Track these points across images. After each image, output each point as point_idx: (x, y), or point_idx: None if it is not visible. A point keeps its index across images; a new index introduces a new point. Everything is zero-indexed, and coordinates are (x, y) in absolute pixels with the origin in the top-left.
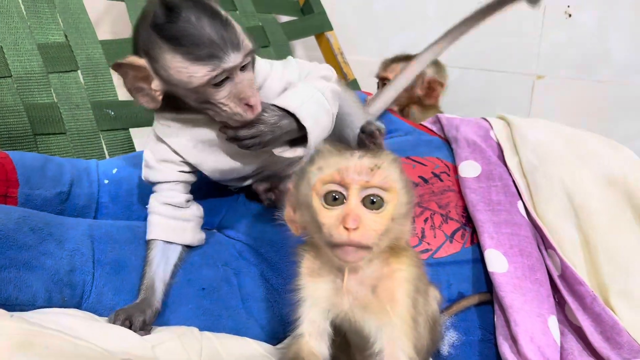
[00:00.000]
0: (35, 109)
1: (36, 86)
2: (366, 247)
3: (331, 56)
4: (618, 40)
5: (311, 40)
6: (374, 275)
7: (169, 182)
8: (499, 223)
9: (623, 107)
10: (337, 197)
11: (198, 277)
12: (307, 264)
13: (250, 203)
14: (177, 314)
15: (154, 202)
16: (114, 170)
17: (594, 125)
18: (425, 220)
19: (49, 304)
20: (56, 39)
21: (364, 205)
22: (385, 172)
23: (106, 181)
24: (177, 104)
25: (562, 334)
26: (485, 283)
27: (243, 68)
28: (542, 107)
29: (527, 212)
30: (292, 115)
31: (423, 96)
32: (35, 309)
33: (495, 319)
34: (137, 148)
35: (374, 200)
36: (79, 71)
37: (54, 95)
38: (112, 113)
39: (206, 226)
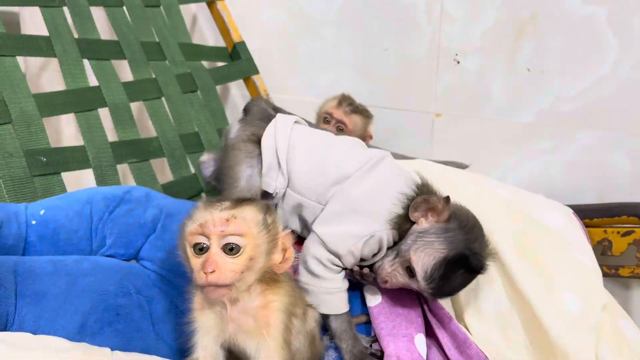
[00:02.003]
0: None
1: None
2: (225, 286)
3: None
4: (497, 84)
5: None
6: (253, 304)
7: None
8: None
9: (504, 142)
10: (202, 247)
11: (114, 304)
12: (197, 299)
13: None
14: (94, 337)
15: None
16: (42, 212)
17: (483, 157)
18: None
19: None
20: None
21: (224, 251)
22: (239, 222)
23: (34, 222)
24: None
25: (429, 347)
26: None
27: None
28: (442, 141)
29: None
30: None
31: None
32: None
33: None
34: (68, 190)
35: (232, 247)
36: (11, 123)
37: None
38: (44, 159)
39: (124, 257)
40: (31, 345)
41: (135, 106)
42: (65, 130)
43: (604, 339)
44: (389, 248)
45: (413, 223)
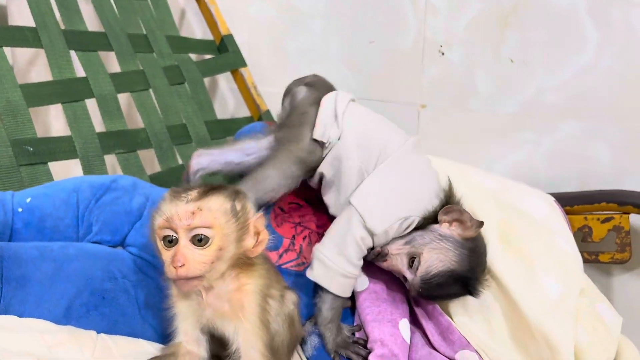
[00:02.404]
0: None
1: None
2: (196, 278)
3: (245, 90)
4: (481, 75)
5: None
6: (227, 289)
7: None
8: None
9: (489, 133)
10: (171, 240)
11: (99, 289)
12: (174, 287)
13: None
14: (79, 320)
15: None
16: (28, 200)
17: (468, 148)
18: (304, 238)
19: None
20: None
21: (193, 242)
22: (205, 213)
23: (20, 209)
24: None
25: (413, 332)
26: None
27: None
28: (427, 131)
29: None
30: None
31: None
32: None
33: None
34: (55, 179)
35: (200, 238)
36: None
37: None
38: (31, 149)
39: (111, 244)
40: (16, 328)
41: (122, 98)
42: (54, 123)
43: (581, 322)
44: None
45: (436, 221)
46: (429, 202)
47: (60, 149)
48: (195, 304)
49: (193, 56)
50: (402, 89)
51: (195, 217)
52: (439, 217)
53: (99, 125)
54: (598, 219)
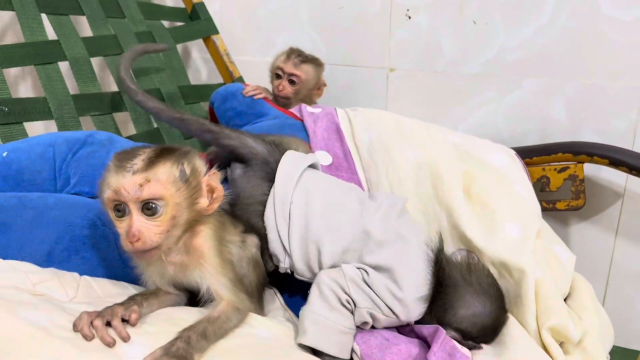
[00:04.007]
0: None
1: None
2: (153, 249)
3: (218, 57)
4: (447, 38)
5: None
6: (185, 242)
7: None
8: None
9: (454, 94)
10: (121, 210)
11: (79, 235)
12: None
13: None
14: (61, 264)
15: None
16: (4, 154)
17: (435, 109)
18: None
19: None
20: None
21: (144, 212)
22: (153, 185)
23: None
24: None
25: None
26: None
27: None
28: (396, 94)
29: None
30: None
31: (315, 94)
32: None
33: None
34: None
35: (150, 208)
36: None
37: None
38: (6, 109)
39: (89, 195)
40: (1, 268)
41: (96, 62)
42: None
43: (538, 260)
44: None
45: None
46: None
47: (35, 109)
48: (157, 266)
49: (165, 24)
50: (371, 54)
51: (143, 189)
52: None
53: (73, 89)
54: (555, 169)
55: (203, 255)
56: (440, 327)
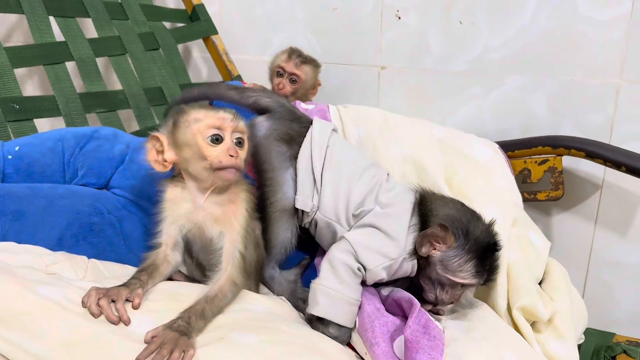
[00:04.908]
0: None
1: None
2: (239, 170)
3: (217, 56)
4: (434, 37)
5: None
6: (223, 197)
7: None
8: None
9: (441, 90)
10: (217, 138)
11: (88, 222)
12: (170, 192)
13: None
14: (71, 249)
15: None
16: (17, 148)
17: (424, 105)
18: None
19: None
20: None
21: (234, 143)
22: (241, 121)
23: (10, 156)
24: None
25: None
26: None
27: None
28: (388, 92)
29: None
30: None
31: (311, 93)
32: None
33: None
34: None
35: (240, 140)
36: None
37: None
38: (17, 107)
39: (96, 186)
40: (17, 250)
41: (101, 62)
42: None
43: (513, 245)
44: (418, 275)
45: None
46: (409, 243)
47: (44, 107)
48: (190, 207)
49: (167, 25)
50: (363, 52)
51: (237, 122)
52: (420, 253)
53: (80, 87)
54: (536, 162)
55: (236, 215)
56: (414, 300)
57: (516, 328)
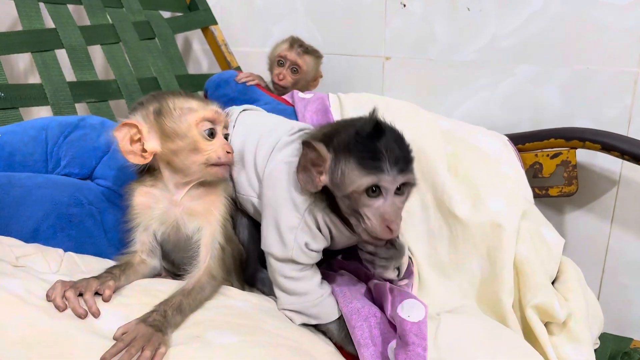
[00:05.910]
0: None
1: None
2: (231, 167)
3: (216, 47)
4: (440, 25)
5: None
6: (201, 190)
7: None
8: None
9: (448, 81)
10: (212, 132)
11: (66, 213)
12: (138, 195)
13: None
14: (47, 241)
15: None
16: None
17: (431, 97)
18: None
19: None
20: None
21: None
22: (227, 117)
23: None
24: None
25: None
26: None
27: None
28: (392, 83)
29: None
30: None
31: (312, 85)
32: None
33: None
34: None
35: (226, 136)
36: None
37: None
38: (2, 95)
39: (79, 176)
40: None
41: (94, 51)
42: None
43: (525, 242)
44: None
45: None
46: (300, 197)
47: (31, 95)
48: (164, 207)
49: (166, 14)
50: (367, 43)
51: (227, 116)
52: (309, 190)
53: (71, 76)
54: (548, 155)
55: (215, 208)
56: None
57: (527, 329)
